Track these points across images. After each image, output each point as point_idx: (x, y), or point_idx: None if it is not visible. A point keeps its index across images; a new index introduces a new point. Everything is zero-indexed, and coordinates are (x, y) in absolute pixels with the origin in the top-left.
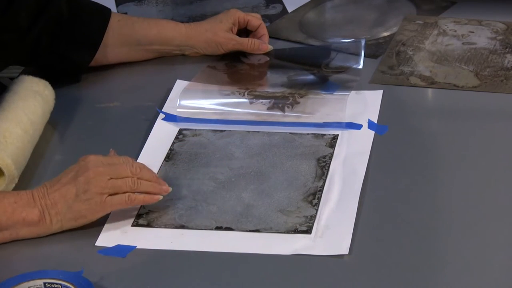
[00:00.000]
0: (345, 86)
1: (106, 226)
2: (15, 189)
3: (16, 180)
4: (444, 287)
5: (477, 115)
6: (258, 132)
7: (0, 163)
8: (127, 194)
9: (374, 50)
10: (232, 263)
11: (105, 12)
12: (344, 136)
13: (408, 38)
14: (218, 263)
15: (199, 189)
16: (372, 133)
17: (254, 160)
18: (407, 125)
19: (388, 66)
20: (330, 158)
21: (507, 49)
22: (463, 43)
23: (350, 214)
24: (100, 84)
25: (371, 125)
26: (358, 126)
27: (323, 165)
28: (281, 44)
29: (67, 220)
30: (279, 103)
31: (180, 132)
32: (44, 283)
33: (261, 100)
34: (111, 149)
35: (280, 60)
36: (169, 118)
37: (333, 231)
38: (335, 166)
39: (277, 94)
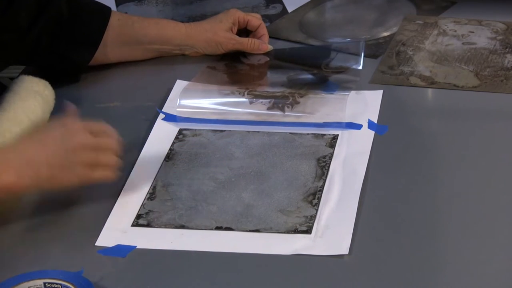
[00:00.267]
0: (345, 86)
1: (106, 226)
2: None
3: None
4: (444, 287)
5: (477, 115)
6: (258, 132)
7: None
8: (105, 172)
9: (374, 50)
10: (232, 263)
11: (105, 11)
12: (344, 136)
13: (408, 38)
14: (218, 263)
15: (199, 189)
16: (372, 133)
17: (254, 160)
18: (407, 125)
19: (388, 66)
20: (330, 158)
21: (507, 49)
22: (463, 43)
23: (350, 214)
24: (100, 84)
25: (371, 125)
26: (358, 126)
27: (323, 165)
28: (281, 44)
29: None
30: (279, 103)
31: (180, 132)
32: (44, 283)
33: (261, 100)
34: (68, 104)
35: (280, 60)
36: (169, 118)
37: (333, 231)
38: (335, 166)
39: (277, 94)
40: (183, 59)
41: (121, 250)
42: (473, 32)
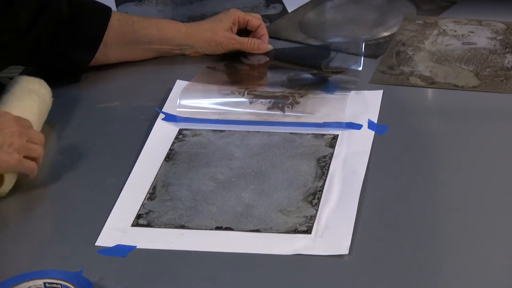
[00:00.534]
0: (345, 86)
1: (106, 226)
2: (14, 189)
3: (14, 180)
4: (444, 287)
5: (477, 115)
6: (258, 132)
7: None
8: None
9: (374, 50)
10: (232, 263)
11: (106, 11)
12: (344, 136)
13: (408, 38)
14: (218, 263)
15: (199, 189)
16: (372, 133)
17: (254, 160)
18: (407, 125)
19: (388, 66)
20: (330, 158)
21: (507, 49)
22: (463, 43)
23: (350, 214)
24: (100, 84)
25: (371, 125)
26: (358, 126)
27: (323, 165)
28: (281, 44)
29: None
30: (279, 103)
31: (180, 132)
32: (44, 283)
33: (261, 100)
34: None
35: (280, 60)
36: (169, 118)
37: (333, 231)
38: (335, 166)
39: (277, 94)
40: (183, 59)
41: (121, 250)
42: (473, 32)
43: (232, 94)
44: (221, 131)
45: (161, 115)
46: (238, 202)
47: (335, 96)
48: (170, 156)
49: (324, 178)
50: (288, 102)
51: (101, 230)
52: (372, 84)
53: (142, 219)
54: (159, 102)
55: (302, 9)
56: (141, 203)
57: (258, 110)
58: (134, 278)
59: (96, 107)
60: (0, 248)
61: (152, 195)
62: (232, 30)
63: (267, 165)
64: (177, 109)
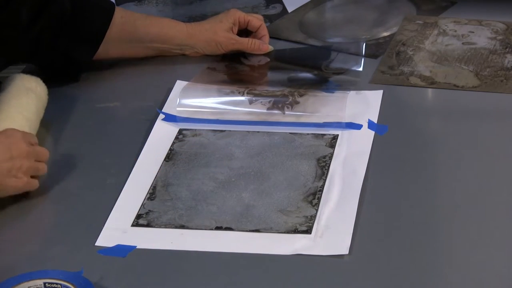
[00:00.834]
0: (345, 86)
1: (106, 226)
2: None
3: None
4: (444, 287)
5: (477, 115)
6: (258, 132)
7: None
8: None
9: (374, 50)
10: (232, 263)
11: (109, 8)
12: (344, 136)
13: (408, 38)
14: (218, 263)
15: (199, 189)
16: (372, 133)
17: (254, 160)
18: (407, 125)
19: (388, 66)
20: (330, 158)
21: (507, 49)
22: (463, 43)
23: (350, 214)
24: (100, 84)
25: (371, 125)
26: (358, 126)
27: (323, 165)
28: (281, 44)
29: None
30: (278, 102)
31: (180, 132)
32: (44, 283)
33: (260, 100)
34: None
35: (280, 61)
36: (169, 118)
37: (333, 231)
38: (335, 166)
39: (277, 93)
40: (184, 60)
41: (121, 250)
42: (473, 32)
43: (232, 93)
44: (221, 131)
45: (161, 115)
46: (238, 202)
47: (335, 96)
48: (170, 156)
49: (324, 178)
50: (288, 102)
51: (101, 230)
52: (372, 84)
53: (142, 219)
54: (159, 102)
55: (302, 9)
56: (141, 203)
57: (258, 110)
58: (134, 278)
59: (96, 107)
60: (0, 248)
61: (152, 195)
62: (232, 31)
63: (267, 165)
64: (177, 109)
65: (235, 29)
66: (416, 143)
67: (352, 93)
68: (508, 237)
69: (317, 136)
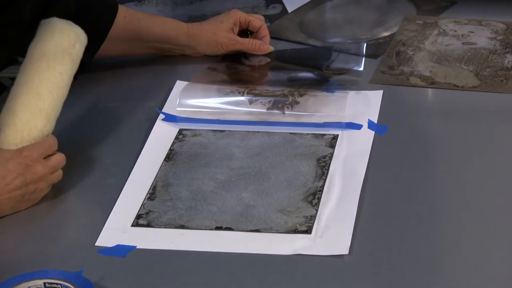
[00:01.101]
0: (345, 86)
1: (106, 226)
2: None
3: None
4: (444, 287)
5: (477, 115)
6: (258, 132)
7: None
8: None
9: (374, 50)
10: (232, 263)
11: (112, 8)
12: (344, 136)
13: (408, 38)
14: (218, 263)
15: (199, 189)
16: (372, 133)
17: (254, 160)
18: (407, 125)
19: (388, 66)
20: (330, 158)
21: (507, 49)
22: (463, 43)
23: (350, 214)
24: (100, 84)
25: (371, 125)
26: (358, 126)
27: (323, 165)
28: (282, 45)
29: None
30: (278, 102)
31: (180, 132)
32: (44, 283)
33: (260, 100)
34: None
35: (281, 61)
36: (169, 118)
37: (333, 231)
38: (335, 166)
39: (277, 93)
40: (184, 60)
41: (121, 250)
42: (473, 32)
43: (232, 93)
44: (221, 131)
45: (161, 115)
46: (238, 202)
47: (335, 96)
48: (170, 156)
49: (324, 178)
50: (288, 102)
51: (101, 230)
52: (372, 84)
53: (142, 219)
54: (159, 102)
55: (302, 9)
56: (141, 203)
57: (258, 110)
58: (134, 278)
59: (96, 107)
60: (0, 248)
61: (152, 195)
62: (233, 31)
63: (267, 165)
64: (177, 109)
65: (236, 30)
66: (416, 143)
67: (352, 93)
68: (508, 237)
69: (317, 136)
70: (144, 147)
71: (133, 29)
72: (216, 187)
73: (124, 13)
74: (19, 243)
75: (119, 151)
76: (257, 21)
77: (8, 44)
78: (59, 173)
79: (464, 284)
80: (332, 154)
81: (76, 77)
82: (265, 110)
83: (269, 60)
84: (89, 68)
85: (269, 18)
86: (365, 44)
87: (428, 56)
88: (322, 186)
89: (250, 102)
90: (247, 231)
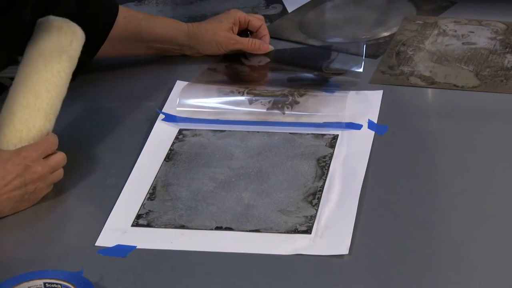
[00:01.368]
0: (345, 87)
1: (106, 226)
2: None
3: None
4: (444, 287)
5: (477, 115)
6: (258, 132)
7: None
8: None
9: (374, 50)
10: (232, 263)
11: (113, 9)
12: (344, 136)
13: (408, 38)
14: (218, 263)
15: (199, 189)
16: (372, 133)
17: (254, 160)
18: (407, 125)
19: (388, 66)
20: (330, 158)
21: (507, 49)
22: (463, 43)
23: (350, 214)
24: (100, 84)
25: (371, 125)
26: (358, 126)
27: (323, 165)
28: (282, 45)
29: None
30: (278, 102)
31: (180, 132)
32: (44, 283)
33: (260, 100)
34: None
35: (281, 61)
36: (169, 118)
37: (333, 231)
38: (335, 166)
39: (277, 93)
40: (184, 60)
41: (121, 250)
42: (473, 32)
43: (231, 93)
44: (221, 131)
45: (161, 115)
46: (238, 202)
47: (335, 96)
48: (170, 156)
49: (324, 178)
50: (287, 102)
51: (101, 230)
52: (372, 84)
53: (142, 219)
54: (159, 102)
55: (302, 9)
56: (141, 203)
57: (257, 110)
58: (134, 278)
59: (96, 107)
60: (0, 248)
61: (152, 195)
62: (232, 31)
63: (267, 165)
64: (177, 108)
65: (236, 29)
66: (416, 143)
67: (352, 93)
68: (508, 237)
69: (317, 136)
70: (144, 147)
71: (134, 30)
72: (216, 187)
73: (124, 13)
74: (19, 243)
75: (119, 151)
76: (256, 20)
77: (8, 44)
78: (60, 172)
79: (464, 284)
80: (332, 154)
81: (75, 77)
82: (265, 110)
83: (268, 60)
84: (89, 68)
85: (269, 18)
86: (365, 44)
87: (428, 56)
88: (322, 186)
89: (250, 102)
90: (247, 231)
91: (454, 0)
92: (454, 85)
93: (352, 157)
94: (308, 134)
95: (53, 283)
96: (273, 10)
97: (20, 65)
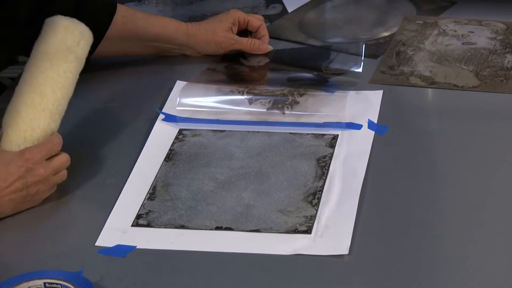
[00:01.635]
0: (345, 87)
1: (106, 226)
2: None
3: None
4: (444, 287)
5: (477, 115)
6: (258, 132)
7: None
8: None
9: (374, 50)
10: (232, 263)
11: (111, 7)
12: (344, 136)
13: (408, 38)
14: (218, 263)
15: (199, 189)
16: (372, 133)
17: (254, 160)
18: (407, 125)
19: (388, 66)
20: (330, 158)
21: (507, 49)
22: (463, 43)
23: (350, 214)
24: (100, 84)
25: (371, 125)
26: (358, 126)
27: (323, 165)
28: (281, 45)
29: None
30: (278, 102)
31: (180, 132)
32: (44, 283)
33: (260, 100)
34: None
35: (280, 61)
36: (169, 118)
37: (333, 231)
38: (335, 166)
39: (277, 93)
40: (183, 60)
41: (121, 250)
42: (473, 32)
43: (231, 92)
44: (221, 131)
45: (161, 115)
46: (238, 202)
47: (335, 96)
48: (170, 156)
49: (324, 178)
50: (287, 102)
51: (101, 230)
52: (372, 84)
53: (142, 219)
54: (159, 102)
55: (302, 9)
56: (141, 203)
57: (257, 109)
58: (134, 278)
59: (96, 107)
60: (0, 248)
61: (152, 195)
62: (232, 30)
63: (267, 165)
64: (177, 108)
65: (235, 29)
66: (416, 143)
67: (352, 93)
68: (508, 237)
69: (317, 136)
70: (144, 147)
71: (132, 28)
72: (216, 187)
73: (122, 12)
74: (19, 243)
75: (119, 151)
76: (256, 20)
77: (7, 43)
78: (63, 173)
79: (464, 284)
80: (332, 154)
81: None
82: (265, 110)
83: (268, 60)
84: (89, 68)
85: (269, 18)
86: (364, 44)
87: (428, 56)
88: (322, 186)
89: (250, 102)
90: (247, 231)
91: (454, 0)
92: (454, 85)
93: (352, 157)
94: (308, 134)
95: (53, 283)
96: (273, 10)
97: (26, 64)
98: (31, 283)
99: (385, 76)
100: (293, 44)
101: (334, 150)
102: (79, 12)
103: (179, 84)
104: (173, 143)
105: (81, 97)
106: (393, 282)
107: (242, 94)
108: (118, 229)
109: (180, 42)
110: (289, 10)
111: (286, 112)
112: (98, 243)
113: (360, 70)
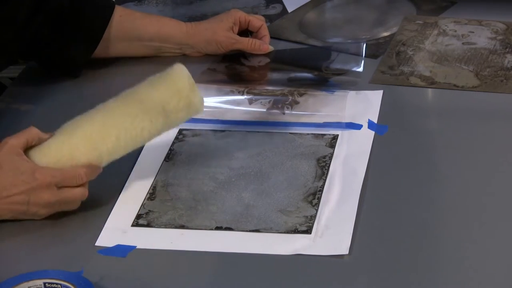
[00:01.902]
0: (345, 87)
1: (106, 226)
2: None
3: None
4: (444, 287)
5: (477, 115)
6: (258, 132)
7: None
8: None
9: (374, 50)
10: (232, 263)
11: (108, 7)
12: (344, 136)
13: (408, 38)
14: (218, 263)
15: (199, 189)
16: (372, 133)
17: (254, 160)
18: (407, 125)
19: (388, 66)
20: (330, 158)
21: (507, 49)
22: (463, 43)
23: (350, 214)
24: (100, 83)
25: (371, 125)
26: (358, 126)
27: (323, 165)
28: (282, 45)
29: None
30: (278, 102)
31: (180, 132)
32: (44, 283)
33: (260, 100)
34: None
35: (281, 61)
36: None
37: (333, 231)
38: (335, 166)
39: (277, 92)
40: (184, 60)
41: (121, 250)
42: (473, 32)
43: (231, 92)
44: (221, 131)
45: None
46: (238, 202)
47: (335, 96)
48: (170, 156)
49: (324, 178)
50: (287, 102)
51: (101, 230)
52: (372, 84)
53: (142, 219)
54: None
55: (302, 9)
56: (141, 203)
57: (257, 109)
58: (134, 278)
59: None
60: (0, 248)
61: (152, 195)
62: (232, 30)
63: (267, 165)
64: None
65: (236, 29)
66: (416, 143)
67: (352, 93)
68: (508, 237)
69: (317, 136)
70: (144, 147)
71: (129, 28)
72: (216, 187)
73: (120, 12)
74: (19, 243)
75: None
76: (257, 21)
77: (3, 44)
78: (74, 205)
79: (464, 284)
80: (332, 154)
81: (77, 77)
82: (265, 110)
83: (268, 60)
84: (89, 68)
85: (269, 18)
86: (364, 44)
87: (428, 56)
88: (322, 186)
89: (250, 102)
90: (247, 231)
91: (454, 0)
92: (454, 85)
93: (352, 157)
94: (308, 134)
95: (53, 283)
96: (273, 10)
97: (121, 93)
98: (31, 283)
99: (385, 76)
100: (293, 44)
101: (334, 150)
102: (75, 12)
103: None
104: (173, 143)
105: (81, 97)
106: (393, 282)
107: (242, 94)
108: (118, 229)
109: (180, 41)
110: (289, 10)
111: (286, 112)
112: (98, 243)
113: (360, 70)
